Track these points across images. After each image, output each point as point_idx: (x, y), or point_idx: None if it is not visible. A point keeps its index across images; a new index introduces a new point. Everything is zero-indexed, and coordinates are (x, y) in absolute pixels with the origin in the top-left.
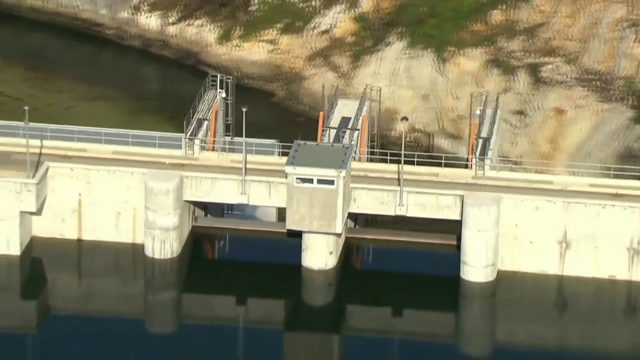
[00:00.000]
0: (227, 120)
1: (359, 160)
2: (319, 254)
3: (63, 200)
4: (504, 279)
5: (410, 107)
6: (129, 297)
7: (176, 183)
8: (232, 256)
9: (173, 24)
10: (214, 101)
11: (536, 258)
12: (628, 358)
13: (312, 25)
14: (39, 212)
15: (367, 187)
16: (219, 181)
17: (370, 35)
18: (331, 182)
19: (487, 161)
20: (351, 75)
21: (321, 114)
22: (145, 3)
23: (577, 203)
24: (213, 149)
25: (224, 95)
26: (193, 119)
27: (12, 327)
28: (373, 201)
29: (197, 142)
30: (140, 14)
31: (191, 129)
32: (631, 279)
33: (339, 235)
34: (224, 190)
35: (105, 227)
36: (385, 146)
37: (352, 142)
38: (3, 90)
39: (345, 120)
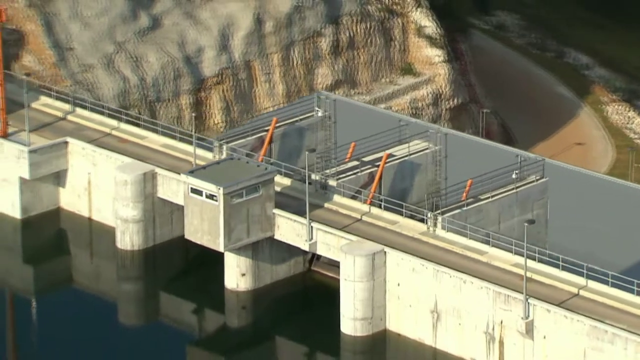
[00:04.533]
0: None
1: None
2: (231, 274)
3: (78, 177)
4: (385, 338)
5: None
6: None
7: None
8: None
9: None
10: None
11: (415, 323)
12: None
13: None
14: (52, 182)
15: (285, 217)
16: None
17: None
18: (213, 198)
19: (439, 219)
20: None
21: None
22: None
23: (444, 272)
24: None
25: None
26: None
27: None
28: (291, 232)
29: (225, 147)
30: None
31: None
32: None
33: (221, 252)
34: None
35: (106, 211)
36: None
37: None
38: None
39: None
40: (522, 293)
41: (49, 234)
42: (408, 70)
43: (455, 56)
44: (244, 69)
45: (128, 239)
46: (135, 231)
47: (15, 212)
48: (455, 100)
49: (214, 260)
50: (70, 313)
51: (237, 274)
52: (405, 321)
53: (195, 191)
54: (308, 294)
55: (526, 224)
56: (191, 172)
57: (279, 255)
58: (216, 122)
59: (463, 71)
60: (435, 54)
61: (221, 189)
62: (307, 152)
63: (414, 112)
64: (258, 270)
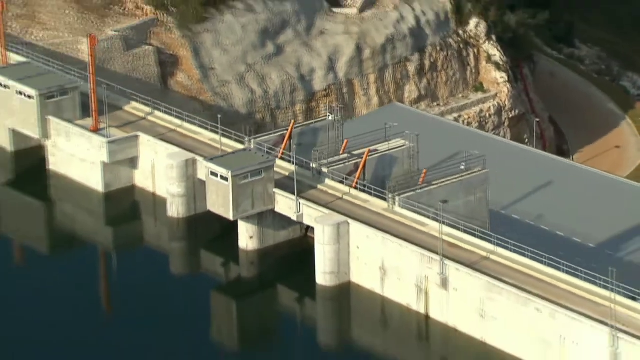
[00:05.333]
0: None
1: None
2: (243, 236)
3: (145, 162)
4: (349, 288)
5: None
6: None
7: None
8: None
9: None
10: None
11: (369, 277)
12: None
13: None
14: (128, 165)
15: (281, 194)
16: None
17: None
18: (226, 179)
19: (397, 199)
20: None
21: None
22: None
23: (388, 239)
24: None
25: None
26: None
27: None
28: (285, 206)
29: (252, 142)
30: None
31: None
32: (421, 311)
33: (230, 220)
34: None
35: (164, 188)
36: None
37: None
38: None
39: None
40: (440, 254)
41: (124, 205)
42: (479, 88)
43: (518, 77)
44: (346, 85)
45: (175, 209)
46: (180, 204)
47: (100, 188)
48: (514, 112)
49: (233, 226)
50: (138, 263)
51: (246, 237)
52: (363, 275)
53: (213, 174)
54: (301, 254)
55: (440, 203)
56: (210, 160)
57: (280, 224)
58: None
59: (524, 89)
60: (500, 76)
61: (230, 172)
62: (294, 146)
63: (481, 120)
64: (262, 235)
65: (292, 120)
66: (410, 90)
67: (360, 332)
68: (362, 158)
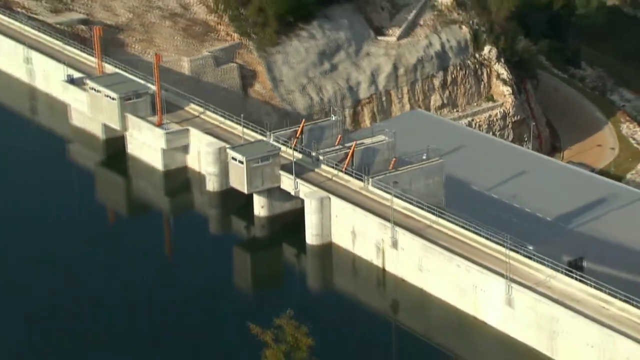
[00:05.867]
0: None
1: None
2: (256, 206)
3: (193, 149)
4: (330, 246)
5: None
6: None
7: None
8: None
9: None
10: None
11: (344, 239)
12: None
13: None
14: (182, 151)
15: (285, 175)
16: None
17: None
18: (242, 162)
19: (370, 180)
20: None
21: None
22: None
23: (357, 210)
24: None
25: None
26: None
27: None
28: (287, 184)
29: (272, 135)
30: None
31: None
32: (380, 265)
33: (245, 194)
34: None
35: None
36: None
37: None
38: None
39: None
40: (391, 222)
41: (179, 180)
42: (490, 98)
43: (521, 91)
44: (384, 95)
45: (211, 185)
46: (214, 181)
47: (160, 167)
48: (516, 117)
49: (250, 198)
50: (187, 224)
51: (259, 207)
52: (340, 237)
53: (234, 158)
54: (298, 220)
55: (392, 183)
56: (232, 148)
57: (284, 197)
58: (366, 125)
59: (527, 100)
60: (506, 90)
61: (244, 157)
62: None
63: (490, 124)
64: (271, 205)
65: (303, 120)
66: (435, 100)
67: (337, 279)
68: (350, 149)
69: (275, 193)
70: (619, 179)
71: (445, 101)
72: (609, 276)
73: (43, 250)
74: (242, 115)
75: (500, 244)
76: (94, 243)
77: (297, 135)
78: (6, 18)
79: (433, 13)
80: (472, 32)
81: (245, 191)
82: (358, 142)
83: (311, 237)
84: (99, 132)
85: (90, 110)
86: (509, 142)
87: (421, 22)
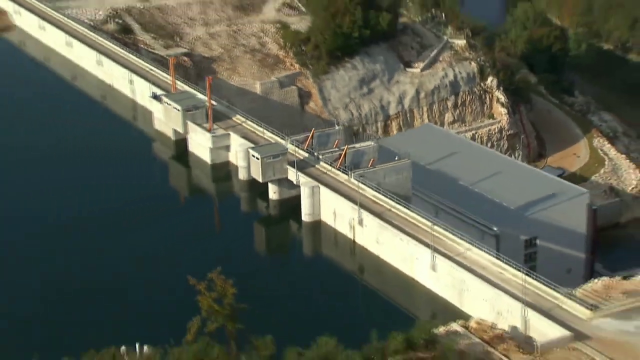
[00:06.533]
0: None
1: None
2: (271, 191)
3: (233, 147)
4: (320, 223)
5: None
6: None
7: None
8: None
9: None
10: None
11: (330, 218)
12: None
13: None
14: (225, 149)
15: (290, 169)
16: None
17: None
18: (258, 159)
19: (352, 174)
20: None
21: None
22: None
23: (338, 196)
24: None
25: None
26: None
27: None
28: (292, 175)
29: (289, 139)
30: None
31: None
32: (351, 238)
33: (261, 182)
34: None
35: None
36: None
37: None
38: None
39: None
40: (357, 205)
41: (223, 171)
42: (490, 116)
43: (516, 112)
44: (408, 112)
45: (242, 175)
46: (244, 172)
47: (209, 161)
48: (511, 132)
49: (267, 186)
50: (228, 204)
51: (272, 192)
52: (327, 216)
53: (253, 155)
54: (300, 203)
55: (359, 176)
56: (253, 148)
57: (290, 185)
58: (394, 134)
59: (520, 118)
60: (503, 111)
61: (260, 155)
62: (290, 138)
63: (489, 136)
64: (281, 192)
65: (313, 129)
66: (448, 117)
67: (325, 249)
68: (342, 151)
69: (284, 182)
70: (585, 179)
71: (455, 118)
72: (554, 251)
73: (134, 217)
74: (290, 127)
75: (437, 224)
76: (168, 214)
77: (308, 140)
78: (118, 48)
79: (450, 52)
80: (479, 67)
81: (261, 180)
82: (349, 145)
83: (305, 215)
84: (170, 134)
85: (164, 118)
86: (494, 150)
87: (440, 59)
